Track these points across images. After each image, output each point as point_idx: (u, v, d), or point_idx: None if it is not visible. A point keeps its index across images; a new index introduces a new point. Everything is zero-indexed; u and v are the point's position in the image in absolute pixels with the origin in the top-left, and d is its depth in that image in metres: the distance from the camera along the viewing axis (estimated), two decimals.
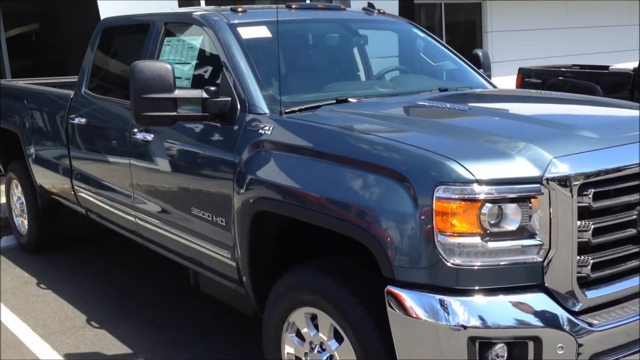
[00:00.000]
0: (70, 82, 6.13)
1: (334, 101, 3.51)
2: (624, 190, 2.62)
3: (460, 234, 2.41)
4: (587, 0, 15.46)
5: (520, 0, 14.37)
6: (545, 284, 2.46)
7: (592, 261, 2.54)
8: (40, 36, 13.04)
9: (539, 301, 2.44)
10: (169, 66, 3.26)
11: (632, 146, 2.70)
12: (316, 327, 2.92)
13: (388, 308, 2.52)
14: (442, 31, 13.90)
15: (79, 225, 6.17)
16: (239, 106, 3.40)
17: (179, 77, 3.77)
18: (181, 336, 4.27)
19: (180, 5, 9.29)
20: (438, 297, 2.43)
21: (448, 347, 2.42)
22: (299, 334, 3.04)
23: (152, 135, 3.96)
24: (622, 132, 2.82)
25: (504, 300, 2.43)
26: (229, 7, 4.00)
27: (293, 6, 4.23)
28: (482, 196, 2.40)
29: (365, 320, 2.65)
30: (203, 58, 3.92)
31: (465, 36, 14.73)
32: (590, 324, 2.48)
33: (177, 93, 3.28)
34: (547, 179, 2.44)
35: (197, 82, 3.85)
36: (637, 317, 2.58)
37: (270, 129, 3.22)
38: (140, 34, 4.35)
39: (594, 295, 2.56)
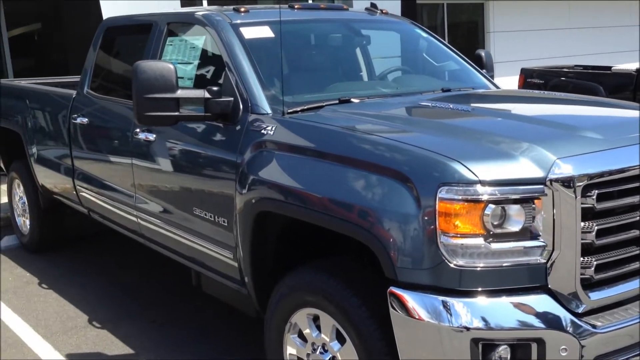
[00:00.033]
0: (73, 82, 6.14)
1: (337, 101, 3.51)
2: (628, 192, 2.61)
3: (463, 235, 2.40)
4: (589, 0, 15.44)
5: (522, 0, 14.35)
6: (549, 286, 2.45)
7: (595, 263, 2.53)
8: (43, 36, 13.06)
9: (542, 303, 2.43)
10: (171, 66, 3.26)
11: (636, 147, 2.69)
12: (318, 328, 2.92)
13: (391, 309, 2.51)
14: (444, 31, 13.89)
15: (81, 225, 6.17)
16: (241, 106, 3.40)
17: (182, 77, 3.76)
18: (183, 336, 4.27)
19: (182, 5, 9.28)
20: (441, 298, 2.42)
21: (451, 349, 2.41)
22: (301, 335, 3.04)
23: (154, 135, 3.96)
24: (626, 133, 2.81)
25: (507, 301, 2.42)
26: (231, 7, 4.00)
27: (296, 6, 4.23)
28: (485, 197, 2.39)
29: (367, 321, 2.64)
30: (205, 58, 3.92)
31: (468, 36, 14.71)
32: (594, 326, 2.47)
33: (180, 93, 3.27)
34: (551, 180, 2.43)
35: (199, 82, 3.85)
36: None
37: (273, 129, 3.21)
38: (142, 33, 4.34)
39: (598, 297, 2.55)
